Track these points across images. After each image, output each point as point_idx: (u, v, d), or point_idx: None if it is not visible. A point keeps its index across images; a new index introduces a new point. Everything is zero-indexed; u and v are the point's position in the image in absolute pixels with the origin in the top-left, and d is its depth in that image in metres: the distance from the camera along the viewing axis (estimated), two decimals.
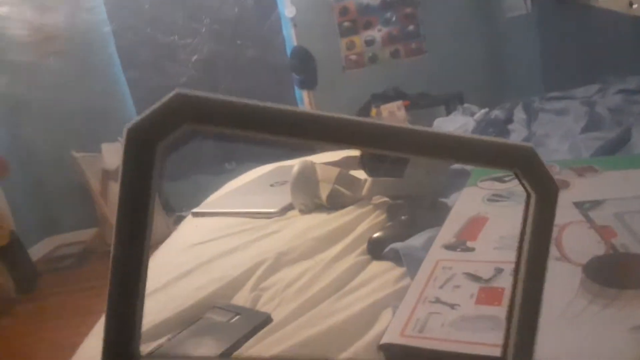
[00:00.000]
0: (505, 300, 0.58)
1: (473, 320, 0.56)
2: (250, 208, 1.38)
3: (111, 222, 3.58)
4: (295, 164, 1.29)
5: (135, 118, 0.19)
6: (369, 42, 3.97)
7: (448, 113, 2.98)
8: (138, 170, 0.19)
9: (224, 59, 3.86)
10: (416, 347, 0.54)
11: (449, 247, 0.75)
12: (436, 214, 0.94)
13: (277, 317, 0.76)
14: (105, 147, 3.68)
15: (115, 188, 3.64)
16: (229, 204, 1.50)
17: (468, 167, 1.24)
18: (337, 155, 1.68)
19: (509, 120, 1.63)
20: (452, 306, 0.59)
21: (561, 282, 0.57)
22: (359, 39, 3.97)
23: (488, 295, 0.60)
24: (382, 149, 0.21)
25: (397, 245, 0.86)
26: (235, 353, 0.69)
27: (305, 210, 1.26)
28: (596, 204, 0.77)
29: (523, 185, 0.23)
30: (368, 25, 3.95)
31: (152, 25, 3.79)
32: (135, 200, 0.19)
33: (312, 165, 1.27)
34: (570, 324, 0.51)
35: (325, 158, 1.62)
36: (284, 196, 1.32)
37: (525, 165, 0.23)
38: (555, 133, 1.37)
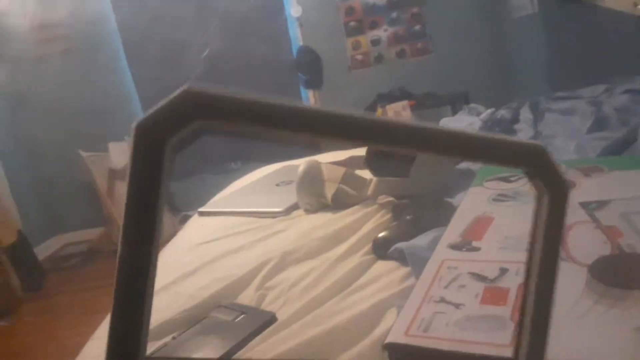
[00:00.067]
0: (510, 301, 0.58)
1: (478, 320, 0.56)
2: (256, 207, 1.38)
3: (118, 221, 3.62)
4: (301, 163, 1.29)
5: (144, 114, 0.18)
6: (375, 42, 3.97)
7: (454, 113, 2.98)
8: (147, 168, 0.18)
9: (230, 59, 3.86)
10: (421, 346, 0.54)
11: (455, 246, 0.75)
12: (441, 214, 0.94)
13: (282, 316, 0.77)
14: (112, 146, 3.69)
15: (122, 187, 3.66)
16: (235, 204, 1.51)
17: (474, 167, 1.24)
18: (342, 155, 1.68)
19: (515, 120, 1.63)
20: (457, 306, 0.59)
21: (567, 282, 0.57)
22: (364, 39, 3.97)
23: (493, 295, 0.60)
24: (392, 146, 0.21)
25: (402, 244, 0.86)
26: (240, 352, 0.69)
27: (311, 210, 1.26)
28: (602, 204, 0.77)
29: (534, 184, 0.23)
30: (374, 25, 3.95)
31: (158, 24, 3.79)
32: (143, 199, 0.19)
33: (318, 164, 1.27)
34: (576, 324, 0.51)
35: (330, 158, 1.62)
36: (290, 196, 1.32)
37: (537, 164, 0.23)
38: (562, 133, 1.36)
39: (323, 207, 1.26)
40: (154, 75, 3.68)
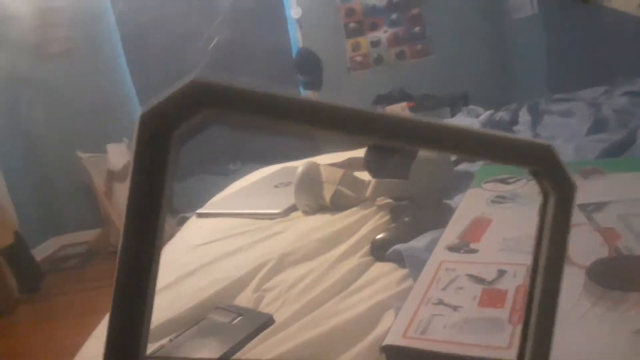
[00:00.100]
0: (508, 303, 0.57)
1: (476, 322, 0.56)
2: (254, 209, 1.38)
3: (116, 222, 3.61)
4: (299, 165, 1.29)
5: (150, 103, 0.17)
6: (375, 44, 3.97)
7: (453, 114, 2.97)
8: (151, 160, 0.17)
9: (229, 60, 3.86)
10: (418, 349, 0.54)
11: (453, 248, 0.75)
12: (440, 216, 0.94)
13: (280, 317, 0.76)
14: (111, 147, 3.69)
15: (120, 189, 3.66)
16: (233, 205, 1.50)
17: (472, 169, 1.24)
18: (341, 157, 1.68)
19: (514, 121, 1.63)
20: (455, 308, 0.59)
21: (564, 285, 0.56)
22: (364, 40, 3.97)
23: (491, 297, 0.59)
24: (398, 141, 0.21)
25: (401, 246, 0.86)
26: (238, 354, 0.69)
27: (309, 212, 1.26)
28: (600, 206, 0.77)
29: (540, 184, 0.23)
30: (374, 27, 3.95)
31: (158, 25, 3.79)
32: (147, 192, 0.18)
33: (317, 166, 1.27)
34: (573, 326, 0.51)
35: (329, 159, 1.62)
36: (288, 197, 1.32)
37: (544, 164, 0.22)
38: (561, 135, 1.36)
39: (321, 208, 1.26)
40: (153, 77, 3.68)
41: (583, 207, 0.77)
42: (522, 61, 3.62)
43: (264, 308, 0.83)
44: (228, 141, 3.82)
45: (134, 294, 0.18)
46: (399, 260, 0.86)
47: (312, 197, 1.25)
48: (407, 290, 0.70)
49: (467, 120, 1.79)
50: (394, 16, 3.92)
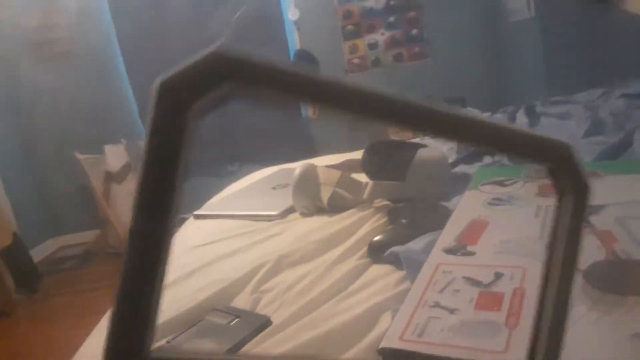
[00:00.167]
0: (505, 306, 0.57)
1: (472, 325, 0.56)
2: (252, 211, 1.38)
3: (114, 224, 3.61)
4: (297, 166, 1.29)
5: (170, 70, 0.16)
6: (372, 46, 3.97)
7: None
8: (168, 132, 0.16)
9: None
10: (415, 351, 0.54)
11: (449, 250, 0.75)
12: (437, 218, 0.94)
13: (277, 319, 0.76)
14: (109, 149, 3.69)
15: (118, 190, 3.65)
16: (231, 206, 1.50)
17: (469, 171, 1.24)
18: (338, 159, 1.68)
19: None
20: (452, 311, 0.59)
21: None
22: (362, 43, 3.97)
23: (488, 300, 0.59)
24: (415, 129, 0.20)
25: (398, 248, 0.86)
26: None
27: (307, 213, 1.26)
28: (597, 208, 0.77)
29: (556, 183, 0.23)
30: (371, 29, 3.95)
31: (156, 28, 3.79)
32: (162, 167, 0.16)
33: (314, 168, 1.27)
34: (569, 330, 0.51)
35: (326, 161, 1.62)
36: (286, 199, 1.32)
37: (562, 162, 0.22)
38: (558, 137, 1.36)
39: (319, 210, 1.26)
40: (151, 79, 3.66)
41: None
42: (519, 64, 3.63)
43: (262, 310, 0.83)
44: (227, 142, 3.82)
45: (142, 278, 0.16)
46: (396, 262, 0.86)
47: (310, 198, 1.25)
48: (404, 292, 0.70)
49: None
50: (391, 19, 3.92)
